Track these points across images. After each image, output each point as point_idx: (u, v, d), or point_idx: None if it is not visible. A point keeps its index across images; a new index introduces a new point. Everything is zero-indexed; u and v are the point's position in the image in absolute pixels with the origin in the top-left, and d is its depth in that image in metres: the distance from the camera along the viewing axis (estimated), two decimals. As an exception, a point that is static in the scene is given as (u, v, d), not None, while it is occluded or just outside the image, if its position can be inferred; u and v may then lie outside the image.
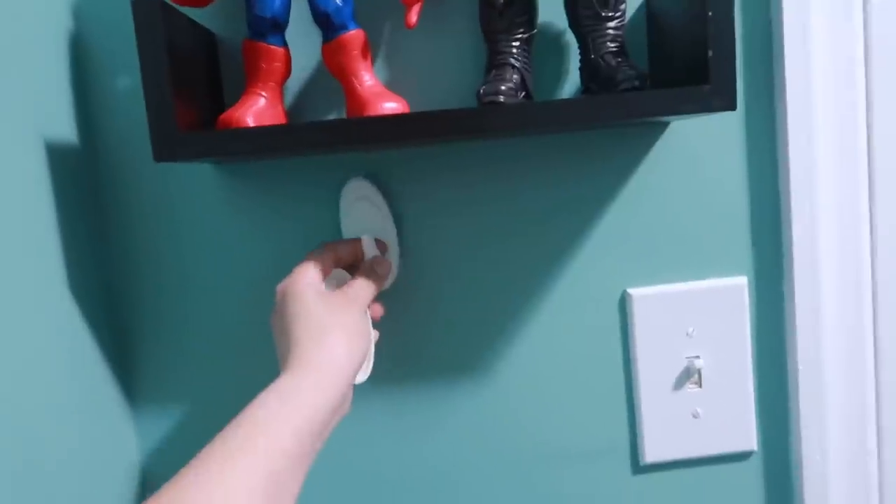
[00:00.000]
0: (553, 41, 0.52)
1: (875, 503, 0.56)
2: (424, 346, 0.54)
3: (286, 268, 0.46)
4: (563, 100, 0.49)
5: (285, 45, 0.47)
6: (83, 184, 0.50)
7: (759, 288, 0.54)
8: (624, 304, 0.54)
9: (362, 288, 0.45)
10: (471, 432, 0.55)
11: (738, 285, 0.54)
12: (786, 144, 0.52)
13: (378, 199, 0.51)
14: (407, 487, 0.55)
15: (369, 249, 0.49)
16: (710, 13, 0.41)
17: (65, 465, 0.45)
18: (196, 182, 0.52)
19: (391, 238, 0.51)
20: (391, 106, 0.46)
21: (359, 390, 0.49)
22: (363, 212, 0.51)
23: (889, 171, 0.53)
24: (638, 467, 0.56)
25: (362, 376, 0.47)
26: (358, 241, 0.49)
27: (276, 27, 0.46)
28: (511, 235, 0.53)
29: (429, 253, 0.53)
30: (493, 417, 0.55)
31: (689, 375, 0.54)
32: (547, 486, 0.56)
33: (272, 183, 0.52)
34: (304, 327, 0.41)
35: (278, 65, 0.47)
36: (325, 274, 0.46)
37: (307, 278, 0.43)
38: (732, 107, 0.42)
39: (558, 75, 0.52)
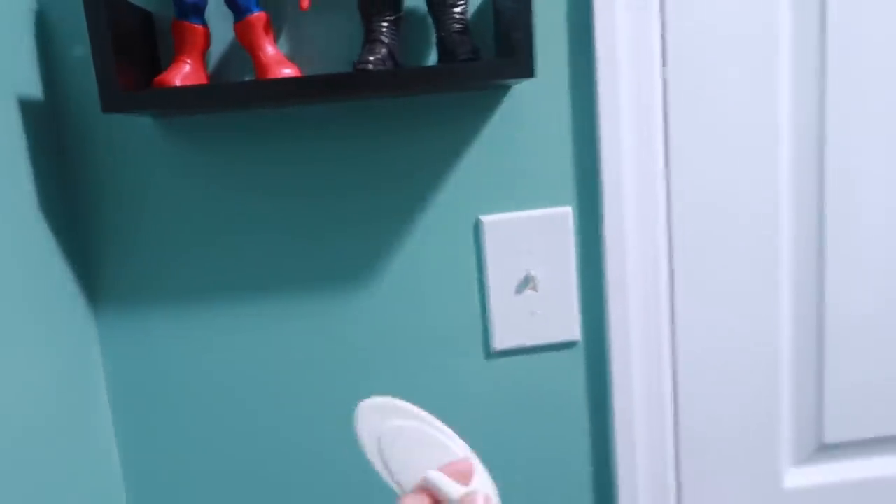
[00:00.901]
0: (419, 22, 0.67)
1: (668, 376, 0.73)
2: (313, 267, 0.70)
3: (212, 198, 0.61)
4: (410, 67, 0.65)
5: (205, 23, 0.61)
6: (48, 134, 0.64)
7: (581, 216, 0.71)
8: (478, 228, 0.70)
9: None
10: (354, 332, 0.71)
11: (565, 213, 0.70)
12: (599, 104, 0.68)
13: (408, 407, 0.40)
14: (301, 375, 0.71)
15: (447, 487, 0.36)
16: (515, 4, 0.57)
17: (27, 367, 0.59)
18: (139, 133, 0.66)
19: (460, 452, 0.38)
20: (287, 71, 0.61)
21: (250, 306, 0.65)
22: (403, 437, 0.39)
23: (681, 122, 0.69)
24: (489, 353, 0.73)
25: None
26: (424, 488, 0.37)
27: (197, 10, 0.60)
28: (385, 179, 0.69)
29: (319, 192, 0.68)
30: (371, 318, 0.71)
31: (527, 283, 0.71)
32: (420, 368, 0.72)
33: (200, 133, 0.67)
34: None
35: (199, 39, 0.61)
36: None
37: None
38: (530, 74, 0.57)
39: (423, 50, 0.67)
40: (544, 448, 0.75)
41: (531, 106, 0.68)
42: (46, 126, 0.63)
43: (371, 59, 0.60)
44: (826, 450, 0.77)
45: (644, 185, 0.69)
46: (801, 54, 0.69)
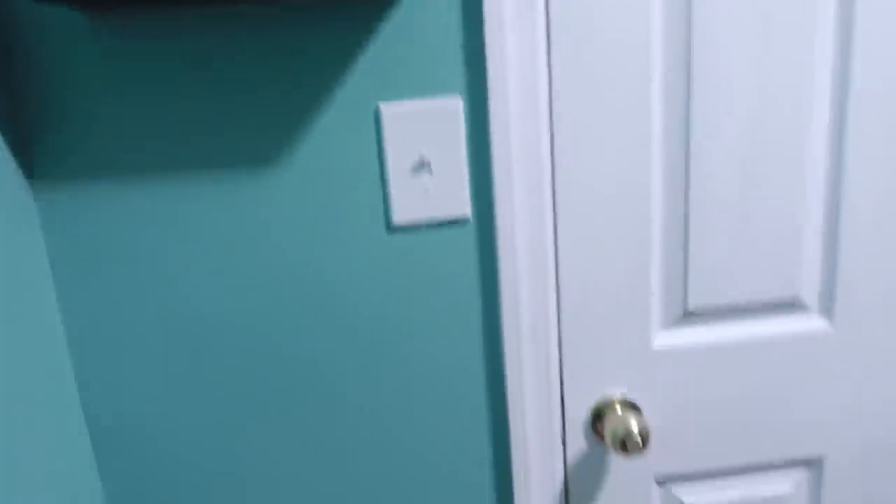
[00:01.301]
0: (318, -78, 0.73)
1: (550, 248, 0.84)
2: (230, 153, 0.78)
3: (135, 85, 0.68)
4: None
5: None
6: (-19, 21, 0.71)
7: (471, 105, 0.79)
8: (378, 115, 0.79)
9: None
10: (268, 211, 0.80)
11: (456, 103, 0.79)
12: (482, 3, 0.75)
13: None
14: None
15: None
16: None
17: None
18: (68, 28, 0.73)
19: None
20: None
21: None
22: None
23: (562, 20, 0.77)
24: (390, 227, 0.82)
25: None
26: None
27: None
28: (296, 74, 0.76)
29: (235, 87, 0.76)
30: (284, 197, 0.80)
31: (422, 165, 0.80)
32: (328, 241, 0.82)
33: (126, 28, 0.74)
34: None
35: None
36: None
37: None
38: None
39: (323, -53, 0.74)
40: (437, 314, 0.86)
41: (425, 9, 0.76)
42: (-21, 16, 0.70)
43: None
44: (690, 316, 0.89)
45: (526, 73, 0.78)
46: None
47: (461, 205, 0.82)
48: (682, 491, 0.96)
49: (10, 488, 0.69)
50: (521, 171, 0.80)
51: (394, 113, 0.78)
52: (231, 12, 0.74)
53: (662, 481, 0.95)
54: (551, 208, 0.83)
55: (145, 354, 0.83)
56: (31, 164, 0.77)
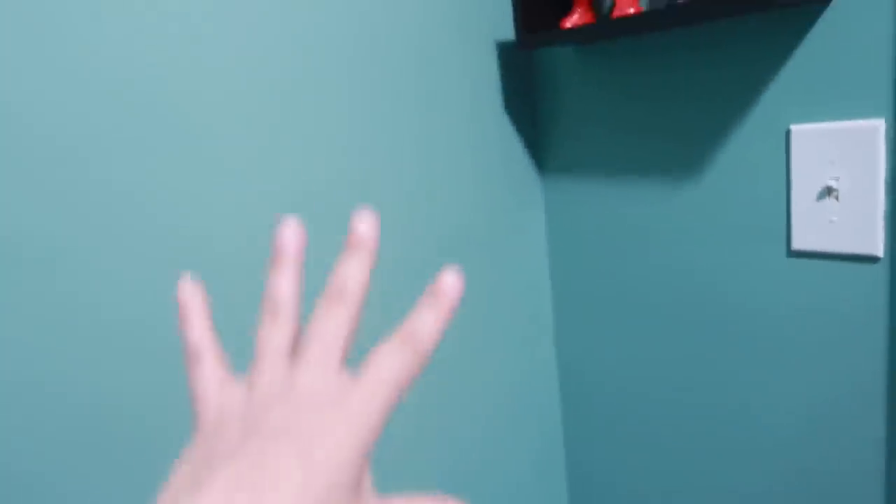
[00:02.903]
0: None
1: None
2: (658, 159, 0.89)
3: (612, 102, 0.91)
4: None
5: (590, -19, 0.88)
6: (520, 67, 1.03)
7: (895, 130, 0.69)
8: (788, 136, 0.77)
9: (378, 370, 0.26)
10: (686, 219, 0.89)
11: (877, 126, 0.70)
12: (921, 10, 0.64)
13: None
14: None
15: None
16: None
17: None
18: (566, 57, 0.99)
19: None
20: (631, 10, 0.83)
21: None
22: None
23: None
24: (790, 251, 0.79)
25: None
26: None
27: (582, -27, 0.88)
28: (713, 95, 0.82)
29: (664, 104, 0.87)
30: (693, 215, 0.87)
31: (829, 192, 0.74)
32: (726, 259, 0.85)
33: (596, 57, 0.95)
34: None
35: (584, -7, 0.89)
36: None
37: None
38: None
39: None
40: (834, 352, 0.78)
41: (850, 20, 0.70)
42: (518, 63, 1.04)
43: (679, -6, 0.77)
44: None
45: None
46: None
47: (870, 242, 0.72)
48: None
49: (489, 395, 1.04)
50: (952, 213, 0.65)
51: (805, 134, 0.75)
52: (665, 37, 0.86)
53: None
54: None
55: (608, 317, 1.06)
56: (541, 162, 1.07)
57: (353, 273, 0.27)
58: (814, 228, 0.76)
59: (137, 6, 0.67)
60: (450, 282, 0.27)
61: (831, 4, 0.71)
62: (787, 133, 0.77)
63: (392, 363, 0.25)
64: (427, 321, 0.26)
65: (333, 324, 0.26)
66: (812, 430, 0.82)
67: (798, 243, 0.78)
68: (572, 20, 0.90)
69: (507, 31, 1.02)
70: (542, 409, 1.14)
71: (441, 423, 0.98)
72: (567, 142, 1.02)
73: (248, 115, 0.75)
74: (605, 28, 0.81)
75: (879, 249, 0.72)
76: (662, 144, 0.90)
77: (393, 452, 0.92)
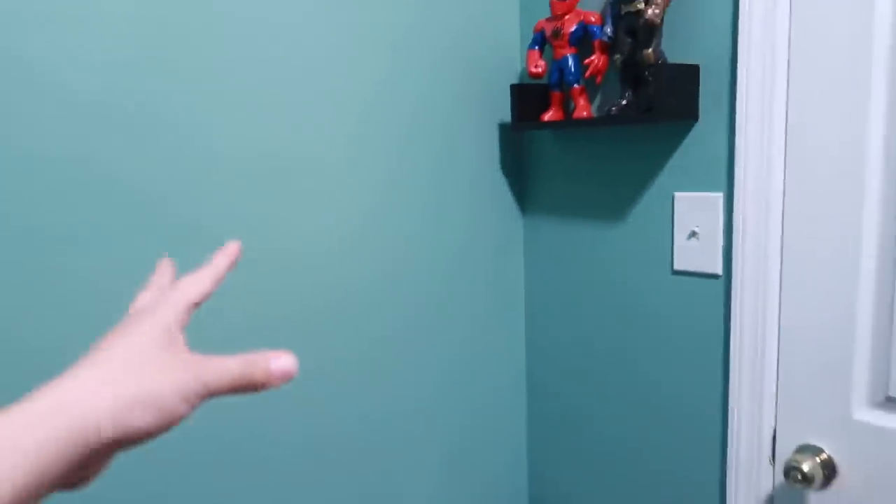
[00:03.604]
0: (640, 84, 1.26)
1: (774, 309, 1.12)
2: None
3: (569, 167, 1.40)
4: (649, 112, 1.25)
5: (563, 90, 1.38)
6: (510, 143, 1.53)
7: (727, 199, 1.17)
8: (673, 200, 1.25)
9: (167, 296, 0.41)
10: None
11: (718, 197, 1.18)
12: (737, 138, 1.13)
13: None
14: (595, 261, 1.42)
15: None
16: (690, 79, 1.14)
17: (490, 219, 1.52)
18: (545, 139, 1.48)
19: None
20: (584, 113, 1.33)
21: None
22: None
23: (797, 153, 1.08)
24: (673, 271, 1.27)
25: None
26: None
27: (559, 86, 1.38)
28: (632, 173, 1.31)
29: (600, 178, 1.36)
30: (618, 247, 1.35)
31: (694, 234, 1.22)
32: (634, 276, 1.33)
33: (564, 141, 1.44)
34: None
35: (557, 98, 1.38)
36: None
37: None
38: (696, 118, 1.13)
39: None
40: (694, 342, 1.25)
41: (707, 132, 1.19)
42: (513, 139, 1.53)
43: (614, 107, 1.26)
44: (892, 401, 1.01)
45: (762, 179, 1.11)
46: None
47: (714, 265, 1.20)
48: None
49: (469, 364, 1.50)
50: (753, 249, 1.13)
51: (682, 199, 1.24)
52: (604, 132, 1.35)
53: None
54: (778, 282, 1.12)
55: (563, 319, 1.53)
56: (524, 205, 1.56)
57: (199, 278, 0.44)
58: (685, 256, 1.24)
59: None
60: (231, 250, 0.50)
61: (697, 122, 1.20)
62: (673, 198, 1.26)
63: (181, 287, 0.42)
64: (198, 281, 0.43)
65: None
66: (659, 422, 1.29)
67: (678, 265, 1.26)
68: (548, 115, 1.39)
69: (507, 118, 1.51)
70: (512, 400, 1.60)
71: (428, 416, 1.44)
72: (542, 194, 1.51)
73: (310, 184, 1.24)
74: (569, 123, 1.31)
75: (719, 270, 1.20)
76: (601, 199, 1.39)
77: (377, 443, 1.38)
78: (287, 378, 0.38)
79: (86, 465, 0.31)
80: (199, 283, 0.43)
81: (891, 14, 0.95)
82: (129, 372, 0.33)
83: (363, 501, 1.37)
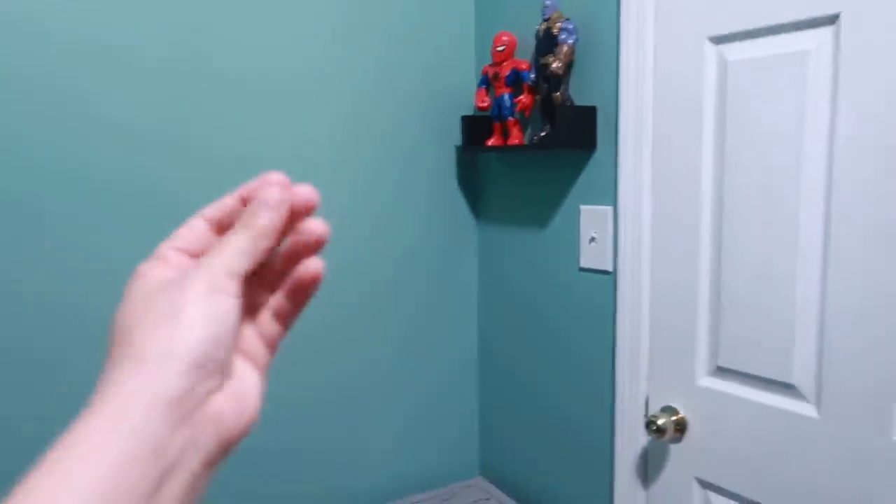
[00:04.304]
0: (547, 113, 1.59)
1: (646, 295, 1.44)
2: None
3: (505, 182, 1.74)
4: (550, 141, 1.57)
5: (502, 120, 1.71)
6: (466, 163, 1.86)
7: (614, 212, 1.49)
8: (579, 211, 1.57)
9: (219, 253, 0.34)
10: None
11: (608, 210, 1.50)
12: (618, 166, 1.45)
13: None
14: (526, 261, 1.74)
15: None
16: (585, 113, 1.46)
17: (446, 225, 1.86)
18: (489, 158, 1.81)
19: None
20: (516, 141, 1.66)
21: None
22: None
23: (657, 182, 1.39)
24: (579, 269, 1.59)
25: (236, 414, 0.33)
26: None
27: (499, 117, 1.71)
28: (535, 190, 1.63)
29: (515, 194, 1.69)
30: (527, 246, 1.68)
31: (593, 239, 1.54)
32: (545, 274, 1.64)
33: (497, 161, 1.77)
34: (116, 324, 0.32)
35: (497, 128, 1.71)
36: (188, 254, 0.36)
37: (142, 267, 0.35)
38: (593, 148, 1.46)
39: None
40: (594, 321, 1.56)
41: (603, 159, 1.51)
42: (465, 157, 1.87)
43: (535, 138, 1.59)
44: (720, 370, 1.31)
45: (635, 201, 1.43)
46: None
47: (607, 263, 1.52)
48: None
49: (428, 356, 1.83)
50: (631, 250, 1.45)
51: (585, 210, 1.56)
52: (531, 155, 1.68)
53: (702, 482, 1.37)
54: (649, 276, 1.43)
55: (505, 304, 1.85)
56: (477, 211, 1.89)
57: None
58: (588, 256, 1.56)
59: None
60: (304, 192, 0.36)
61: (595, 151, 1.52)
62: (579, 210, 1.58)
63: (237, 241, 0.34)
64: (264, 215, 0.34)
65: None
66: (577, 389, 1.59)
67: (583, 264, 1.58)
68: (491, 141, 1.72)
69: (460, 142, 1.85)
70: (464, 376, 1.93)
71: (393, 381, 1.77)
72: (489, 203, 1.84)
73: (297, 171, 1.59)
74: (506, 148, 1.64)
75: (610, 267, 1.51)
76: (530, 209, 1.71)
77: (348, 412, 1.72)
78: (306, 205, 0.36)
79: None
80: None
81: (714, 90, 1.26)
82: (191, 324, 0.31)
83: (337, 452, 1.71)
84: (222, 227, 0.36)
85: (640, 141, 1.40)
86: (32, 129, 1.28)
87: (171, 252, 0.35)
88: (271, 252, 0.35)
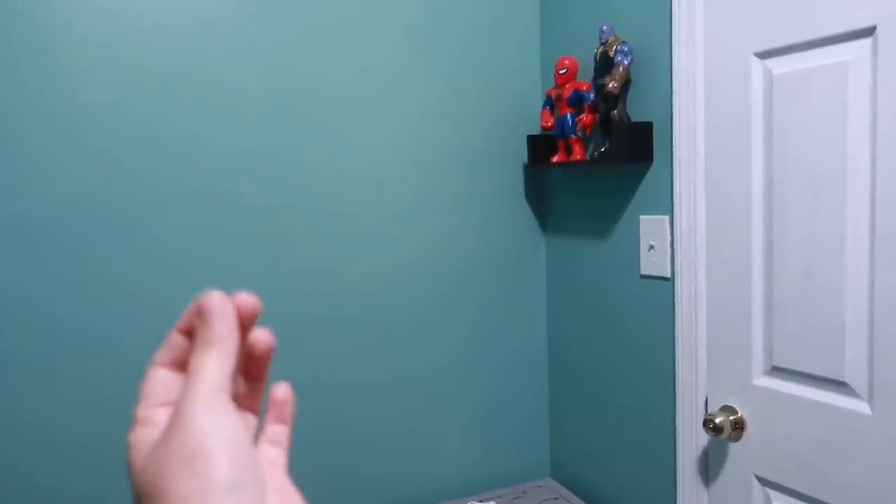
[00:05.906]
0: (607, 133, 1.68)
1: (703, 301, 1.50)
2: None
3: (573, 196, 1.85)
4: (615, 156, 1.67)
5: (565, 138, 1.83)
6: (533, 178, 1.98)
7: (671, 221, 1.57)
8: (639, 221, 1.65)
9: (201, 375, 0.33)
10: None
11: (665, 219, 1.58)
12: (674, 178, 1.53)
13: None
14: (591, 270, 1.84)
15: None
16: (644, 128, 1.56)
17: (515, 237, 1.98)
18: (557, 174, 1.93)
19: None
20: (579, 157, 1.76)
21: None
22: None
23: (712, 199, 1.47)
24: (640, 275, 1.67)
25: None
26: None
27: (562, 135, 1.82)
28: (600, 198, 1.72)
29: (584, 203, 1.78)
30: (591, 257, 1.76)
31: (652, 247, 1.62)
32: (610, 281, 1.73)
33: (566, 176, 1.88)
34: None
35: (561, 146, 1.83)
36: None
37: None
38: (651, 160, 1.56)
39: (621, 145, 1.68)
40: (658, 325, 1.63)
41: (659, 171, 1.59)
42: (533, 172, 1.98)
43: (596, 153, 1.69)
44: (776, 370, 1.36)
45: (691, 209, 1.50)
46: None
47: (666, 270, 1.59)
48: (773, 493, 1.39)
49: (496, 364, 1.95)
50: (687, 257, 1.52)
51: (644, 220, 1.64)
52: (594, 170, 1.78)
53: (762, 479, 1.41)
54: (705, 281, 1.50)
55: (572, 308, 1.95)
56: (545, 225, 2.00)
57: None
58: (647, 264, 1.64)
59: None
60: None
61: (653, 163, 1.61)
62: (639, 220, 1.66)
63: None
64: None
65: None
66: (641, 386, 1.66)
67: (643, 271, 1.66)
68: (555, 158, 1.84)
69: (525, 159, 1.97)
70: (535, 379, 2.03)
71: (462, 372, 1.90)
72: (556, 214, 1.95)
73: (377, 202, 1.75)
74: (569, 164, 1.76)
75: (668, 273, 1.58)
76: (593, 220, 1.81)
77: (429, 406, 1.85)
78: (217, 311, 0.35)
79: None
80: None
81: (761, 102, 1.33)
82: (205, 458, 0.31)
83: (411, 436, 1.86)
84: (180, 365, 0.36)
85: (694, 153, 1.48)
86: (156, 155, 1.51)
87: (149, 412, 0.35)
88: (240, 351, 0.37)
